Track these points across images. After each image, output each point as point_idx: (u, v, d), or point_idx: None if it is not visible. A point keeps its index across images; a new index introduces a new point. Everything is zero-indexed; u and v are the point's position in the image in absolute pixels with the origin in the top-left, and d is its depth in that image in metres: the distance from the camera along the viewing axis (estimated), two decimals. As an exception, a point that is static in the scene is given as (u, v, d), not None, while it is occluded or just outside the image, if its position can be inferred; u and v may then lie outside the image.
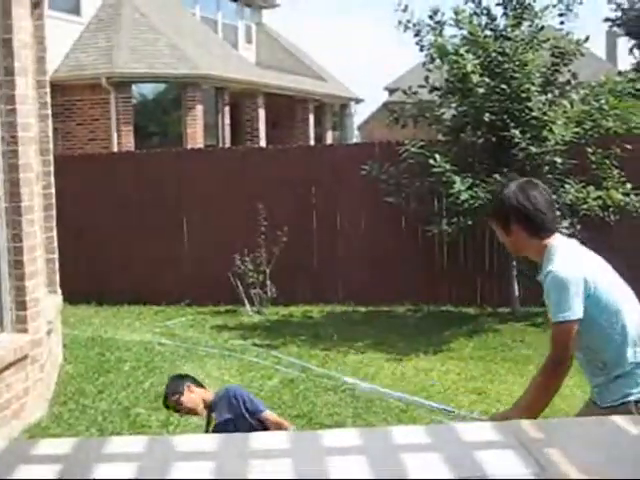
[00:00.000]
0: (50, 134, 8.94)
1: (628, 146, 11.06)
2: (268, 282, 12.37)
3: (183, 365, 9.06)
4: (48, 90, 8.90)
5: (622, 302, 3.86)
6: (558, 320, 3.77)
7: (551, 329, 3.88)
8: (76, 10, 20.22)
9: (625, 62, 37.33)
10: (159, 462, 2.04)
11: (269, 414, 5.20)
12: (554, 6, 11.37)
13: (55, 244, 9.04)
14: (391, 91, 34.42)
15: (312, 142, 25.86)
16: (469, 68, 10.72)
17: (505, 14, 11.40)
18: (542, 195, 3.98)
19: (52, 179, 8.99)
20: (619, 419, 2.40)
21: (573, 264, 3.88)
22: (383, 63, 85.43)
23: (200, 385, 5.43)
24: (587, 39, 11.50)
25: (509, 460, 2.00)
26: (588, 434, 2.26)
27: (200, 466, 2.01)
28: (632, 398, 3.74)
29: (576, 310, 3.75)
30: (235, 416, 5.09)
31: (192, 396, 5.26)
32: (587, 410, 4.09)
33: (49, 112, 8.91)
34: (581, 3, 11.44)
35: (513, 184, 4.02)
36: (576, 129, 10.69)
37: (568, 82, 11.41)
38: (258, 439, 2.33)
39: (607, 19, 33.70)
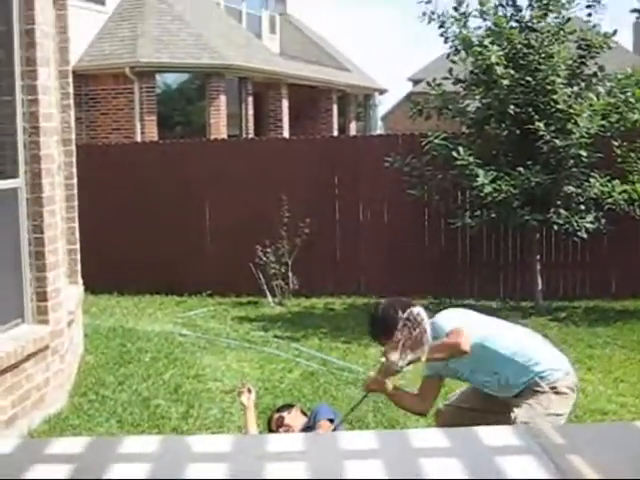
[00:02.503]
0: (72, 124, 8.93)
1: (655, 139, 10.95)
2: (290, 273, 12.34)
3: (204, 357, 9.05)
4: (70, 80, 8.88)
5: (505, 333, 4.84)
6: (451, 328, 4.64)
7: (447, 336, 4.65)
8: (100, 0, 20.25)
9: (652, 54, 36.90)
10: (173, 463, 2.01)
11: (322, 423, 5.21)
12: (581, -3, 11.25)
13: (77, 234, 9.04)
14: (415, 82, 34.32)
15: (335, 133, 25.81)
16: (493, 59, 10.62)
17: (531, 5, 11.28)
18: (402, 304, 4.80)
19: (74, 170, 8.98)
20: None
21: (455, 312, 5.10)
22: (407, 54, 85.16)
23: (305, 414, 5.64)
24: (615, 33, 11.36)
25: (530, 465, 1.95)
26: (611, 439, 2.21)
27: (214, 468, 1.97)
28: (536, 378, 4.62)
29: (464, 327, 4.63)
30: None
31: (294, 416, 5.51)
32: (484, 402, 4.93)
33: (71, 102, 8.90)
34: (609, -6, 11.32)
35: (379, 310, 4.93)
36: (602, 122, 10.59)
37: (594, 74, 11.28)
38: (274, 441, 2.29)
39: (635, 10, 33.36)
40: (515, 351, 4.68)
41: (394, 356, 4.63)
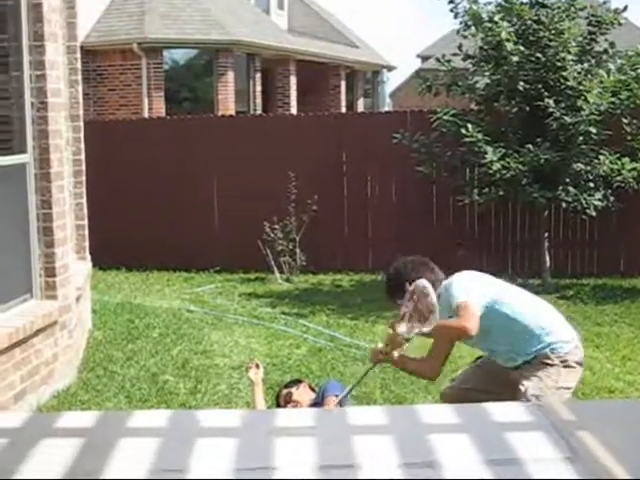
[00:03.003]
0: (80, 100, 8.91)
1: (665, 117, 10.89)
2: (297, 250, 12.34)
3: (211, 333, 9.07)
4: (78, 56, 8.86)
5: (519, 301, 4.74)
6: (461, 300, 4.53)
7: (455, 310, 4.55)
8: (108, -25, 20.17)
9: (662, 31, 36.60)
10: (184, 437, 2.01)
11: (329, 399, 5.21)
12: (592, -27, 11.17)
13: (85, 210, 9.05)
14: (424, 58, 34.14)
15: (343, 109, 25.72)
16: (504, 36, 10.55)
17: (541, -19, 11.19)
18: (418, 265, 4.88)
19: (82, 145, 8.97)
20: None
21: (470, 275, 4.86)
22: (416, 30, 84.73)
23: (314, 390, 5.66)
24: (625, 8, 11.28)
25: (540, 441, 1.95)
26: (620, 416, 2.21)
27: (224, 442, 1.97)
28: (547, 350, 4.57)
29: (476, 297, 4.58)
30: None
31: (302, 392, 5.53)
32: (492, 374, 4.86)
33: (79, 78, 8.87)
34: (620, -30, 11.23)
35: (392, 270, 4.96)
36: (612, 99, 10.52)
37: (605, 51, 11.20)
38: (283, 416, 2.29)
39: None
40: (528, 318, 4.63)
41: (401, 327, 4.58)
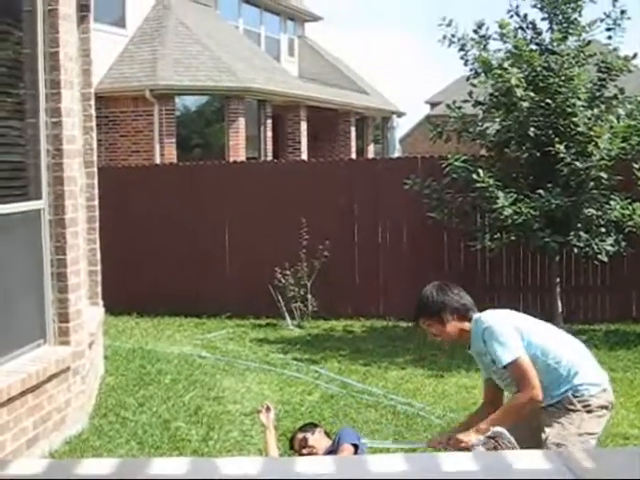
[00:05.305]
0: (94, 146, 8.99)
1: (675, 162, 10.90)
2: (309, 296, 12.34)
3: (223, 379, 9.05)
4: (93, 102, 8.95)
5: (550, 340, 4.70)
6: (510, 360, 4.52)
7: (510, 371, 4.57)
8: (121, 23, 20.44)
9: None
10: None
11: (344, 447, 5.17)
12: (602, 20, 11.20)
13: (98, 256, 9.08)
14: (432, 105, 34.36)
15: (354, 155, 25.86)
16: (514, 82, 10.61)
17: (551, 28, 11.27)
18: (456, 288, 5.01)
19: (96, 191, 9.03)
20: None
21: (502, 317, 4.81)
22: (423, 77, 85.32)
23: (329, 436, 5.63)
24: (635, 56, 11.33)
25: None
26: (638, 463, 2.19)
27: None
28: (570, 393, 4.56)
29: (519, 347, 4.56)
30: None
31: (317, 437, 5.50)
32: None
33: (94, 124, 8.96)
34: (629, 18, 11.24)
35: (430, 287, 5.00)
36: (622, 144, 10.55)
37: (615, 97, 11.25)
38: (302, 463, 2.28)
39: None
40: (558, 360, 4.59)
41: (468, 437, 4.53)
